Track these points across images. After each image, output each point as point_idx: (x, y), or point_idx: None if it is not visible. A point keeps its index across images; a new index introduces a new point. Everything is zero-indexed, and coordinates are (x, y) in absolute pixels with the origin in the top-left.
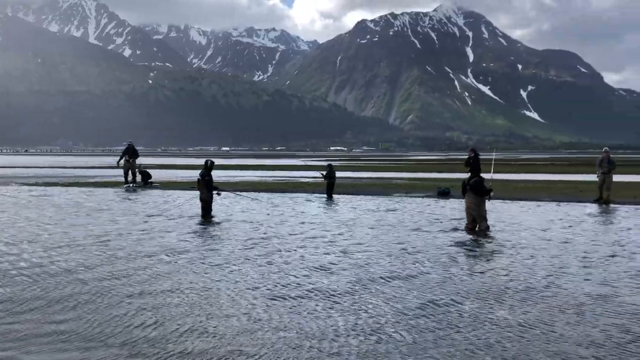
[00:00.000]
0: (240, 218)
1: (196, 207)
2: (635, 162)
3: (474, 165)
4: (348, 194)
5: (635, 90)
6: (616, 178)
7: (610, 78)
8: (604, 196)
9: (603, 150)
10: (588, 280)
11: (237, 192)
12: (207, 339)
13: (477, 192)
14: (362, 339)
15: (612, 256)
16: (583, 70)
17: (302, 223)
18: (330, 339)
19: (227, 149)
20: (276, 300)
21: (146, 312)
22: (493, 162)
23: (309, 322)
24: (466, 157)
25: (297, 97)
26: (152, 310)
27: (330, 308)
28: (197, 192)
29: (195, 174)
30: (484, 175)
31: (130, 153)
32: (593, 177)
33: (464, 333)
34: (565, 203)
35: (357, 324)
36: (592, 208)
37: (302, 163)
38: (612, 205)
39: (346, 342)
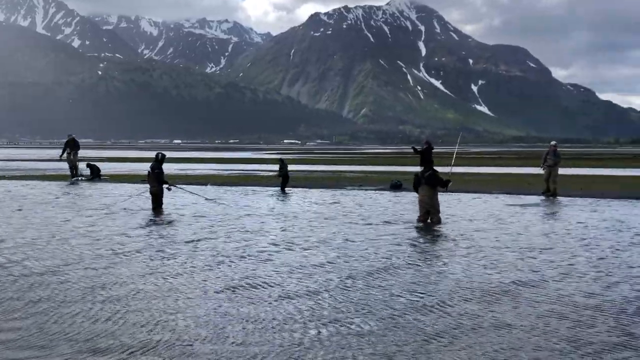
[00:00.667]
0: (192, 212)
1: (147, 200)
2: (581, 155)
3: (426, 157)
4: (302, 187)
5: (582, 85)
6: (564, 171)
7: (558, 73)
8: (551, 189)
9: (551, 144)
10: (536, 271)
11: (185, 189)
12: (169, 334)
13: (432, 185)
14: (325, 328)
15: (575, 248)
16: (532, 65)
17: (259, 216)
18: (296, 330)
19: (179, 141)
20: (237, 294)
21: (106, 312)
22: (455, 155)
23: (283, 320)
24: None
25: (251, 89)
26: (112, 311)
27: (289, 300)
28: (148, 186)
29: (146, 167)
30: (444, 169)
31: (71, 146)
32: (541, 170)
33: (420, 324)
34: (514, 195)
35: (316, 312)
36: (540, 200)
37: (256, 156)
38: (558, 198)
39: (306, 332)
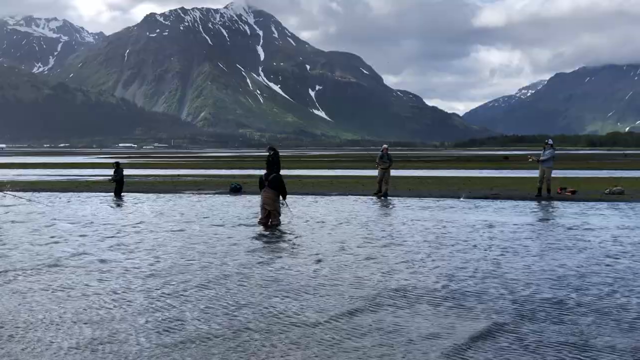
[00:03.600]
0: (18, 220)
1: None
2: (409, 158)
3: (274, 161)
4: (137, 192)
5: (410, 91)
6: (396, 173)
7: (390, 80)
8: (383, 189)
9: (382, 147)
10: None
11: (13, 193)
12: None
13: (274, 187)
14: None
15: (390, 243)
16: (365, 72)
17: (91, 223)
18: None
19: (3, 146)
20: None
21: None
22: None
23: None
24: (267, 154)
25: (82, 90)
26: None
27: (120, 306)
28: None
29: None
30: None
31: None
32: (374, 172)
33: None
34: (349, 196)
35: (155, 317)
36: (373, 200)
37: (88, 161)
38: (390, 198)
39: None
